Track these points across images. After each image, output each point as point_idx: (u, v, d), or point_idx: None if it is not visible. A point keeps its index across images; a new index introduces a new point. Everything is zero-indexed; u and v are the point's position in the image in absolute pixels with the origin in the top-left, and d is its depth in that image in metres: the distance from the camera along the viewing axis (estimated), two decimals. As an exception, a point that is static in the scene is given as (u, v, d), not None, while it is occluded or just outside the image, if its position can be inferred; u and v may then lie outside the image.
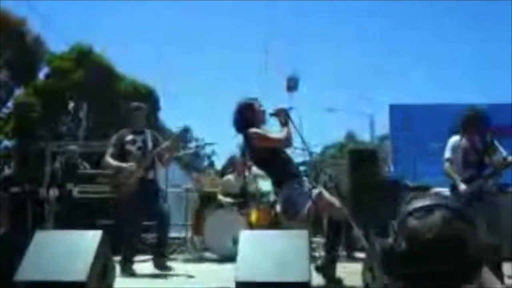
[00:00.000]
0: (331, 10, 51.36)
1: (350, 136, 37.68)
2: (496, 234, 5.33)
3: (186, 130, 5.70)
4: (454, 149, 5.81)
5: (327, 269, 4.85)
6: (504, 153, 5.63)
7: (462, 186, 5.64)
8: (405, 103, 12.53)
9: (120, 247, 5.98)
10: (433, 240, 1.31)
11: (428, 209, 1.36)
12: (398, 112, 11.30)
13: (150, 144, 6.07)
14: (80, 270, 3.51)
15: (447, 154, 5.83)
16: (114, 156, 6.02)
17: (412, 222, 1.36)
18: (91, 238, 3.78)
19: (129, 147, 6.05)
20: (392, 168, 11.06)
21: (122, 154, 6.02)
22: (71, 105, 12.34)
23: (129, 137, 6.11)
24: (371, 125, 25.35)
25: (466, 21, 50.07)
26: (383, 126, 11.86)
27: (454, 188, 5.73)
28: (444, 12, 48.67)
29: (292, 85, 12.54)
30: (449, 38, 51.46)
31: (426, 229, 1.32)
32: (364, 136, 27.38)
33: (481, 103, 11.13)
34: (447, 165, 5.84)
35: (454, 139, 5.85)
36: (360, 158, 8.28)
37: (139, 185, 5.86)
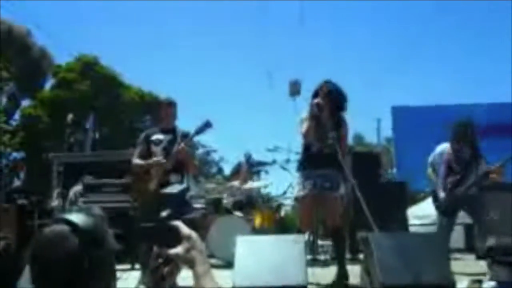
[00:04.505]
0: (333, 12, 51.37)
1: (358, 138, 37.62)
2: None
3: (208, 125, 5.19)
4: (440, 155, 6.09)
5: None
6: (486, 165, 5.93)
7: (442, 194, 5.99)
8: (409, 104, 12.51)
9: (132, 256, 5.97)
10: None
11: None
12: (401, 114, 11.28)
13: (177, 145, 5.32)
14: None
15: (431, 158, 6.15)
16: (141, 157, 5.49)
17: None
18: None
19: (154, 148, 5.45)
20: (395, 170, 11.09)
21: (148, 155, 5.46)
22: (69, 116, 12.36)
23: (155, 137, 5.52)
24: (378, 128, 25.32)
25: (462, 21, 50.07)
26: (390, 128, 11.96)
27: (435, 196, 6.10)
28: (440, 12, 48.60)
29: (295, 89, 12.54)
30: (450, 40, 51.31)
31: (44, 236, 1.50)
32: (373, 138, 27.36)
33: (483, 103, 11.19)
34: (430, 170, 6.25)
35: (442, 146, 6.14)
36: (362, 161, 8.31)
37: (160, 189, 5.27)
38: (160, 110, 5.72)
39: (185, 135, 5.44)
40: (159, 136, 5.52)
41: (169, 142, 5.43)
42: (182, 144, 5.28)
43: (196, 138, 6.09)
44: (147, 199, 5.37)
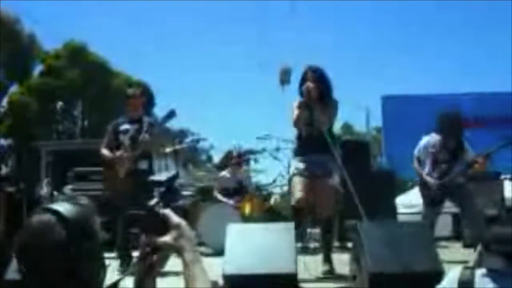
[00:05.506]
0: (328, 3, 51.24)
1: (347, 127, 37.64)
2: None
3: (171, 114, 5.46)
4: (425, 148, 6.15)
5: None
6: (472, 153, 6.02)
7: (432, 181, 6.00)
8: (398, 94, 12.54)
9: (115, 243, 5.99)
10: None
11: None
12: (390, 103, 11.29)
13: (143, 134, 5.60)
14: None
15: (417, 152, 6.21)
16: (108, 146, 5.75)
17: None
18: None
19: (121, 137, 5.72)
20: (384, 160, 11.12)
21: (116, 145, 5.71)
22: (59, 104, 12.32)
23: (123, 127, 5.78)
24: (367, 117, 25.28)
25: (460, 15, 50.24)
26: (380, 117, 11.95)
27: (422, 185, 6.12)
28: (438, 5, 48.67)
29: (285, 78, 12.47)
30: (444, 30, 51.38)
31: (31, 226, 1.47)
32: (361, 127, 27.32)
33: (472, 92, 11.25)
34: (415, 162, 6.22)
35: (426, 139, 6.20)
36: (352, 150, 8.30)
37: (128, 177, 5.54)
38: (126, 101, 5.99)
39: (152, 124, 5.72)
40: (126, 126, 5.80)
41: (136, 131, 5.70)
42: (147, 136, 5.56)
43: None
44: (117, 187, 5.65)
